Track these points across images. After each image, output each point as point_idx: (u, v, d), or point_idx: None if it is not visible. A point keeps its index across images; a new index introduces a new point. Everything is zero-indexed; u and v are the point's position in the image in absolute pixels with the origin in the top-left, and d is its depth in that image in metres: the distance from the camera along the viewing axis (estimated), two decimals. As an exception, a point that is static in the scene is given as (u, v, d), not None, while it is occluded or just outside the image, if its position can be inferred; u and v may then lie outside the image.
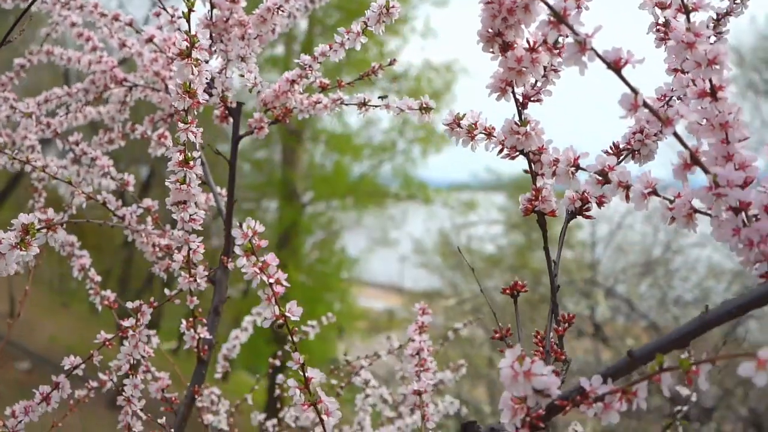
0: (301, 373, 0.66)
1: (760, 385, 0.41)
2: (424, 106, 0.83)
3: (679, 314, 6.21)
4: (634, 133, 0.69)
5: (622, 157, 0.69)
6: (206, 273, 0.93)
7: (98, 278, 1.11)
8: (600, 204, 0.68)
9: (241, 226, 0.63)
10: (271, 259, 0.64)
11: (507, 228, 10.64)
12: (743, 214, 0.53)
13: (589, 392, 0.52)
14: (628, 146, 0.69)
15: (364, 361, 1.35)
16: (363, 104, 0.96)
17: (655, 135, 0.68)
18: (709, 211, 0.54)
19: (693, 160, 0.53)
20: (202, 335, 0.98)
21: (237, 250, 0.63)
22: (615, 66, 0.51)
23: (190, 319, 0.97)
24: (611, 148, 0.70)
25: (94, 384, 1.12)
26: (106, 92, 1.22)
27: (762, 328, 6.39)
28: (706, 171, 0.52)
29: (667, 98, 0.71)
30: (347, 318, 10.99)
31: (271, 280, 0.63)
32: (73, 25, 1.21)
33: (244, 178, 12.52)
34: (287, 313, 0.64)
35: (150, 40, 1.07)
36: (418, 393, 0.96)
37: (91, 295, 1.11)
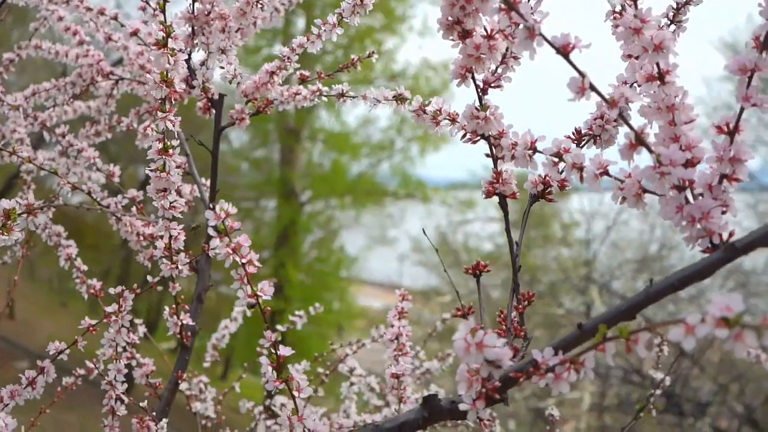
0: (273, 352, 0.69)
1: (689, 348, 0.43)
2: (399, 96, 0.85)
3: (674, 310, 6.24)
4: (595, 119, 0.71)
5: (583, 142, 0.72)
6: (188, 260, 0.95)
7: (84, 267, 1.14)
8: (562, 187, 0.71)
9: (214, 209, 0.65)
10: (244, 240, 0.66)
11: (504, 226, 10.65)
12: (687, 192, 0.55)
13: (541, 364, 0.55)
14: (590, 132, 0.71)
15: (349, 349, 1.37)
16: (341, 95, 0.99)
17: (615, 121, 0.70)
18: (656, 191, 0.56)
19: (638, 140, 0.55)
20: (184, 322, 1.00)
21: (210, 230, 0.65)
22: (563, 51, 0.54)
23: (173, 306, 0.99)
24: (573, 133, 0.72)
25: (81, 371, 1.14)
26: (93, 85, 1.24)
27: (753, 320, 6.39)
28: (650, 151, 0.55)
29: (627, 85, 0.73)
30: (346, 317, 11.01)
31: (244, 261, 0.66)
32: (60, 19, 1.23)
33: (242, 177, 12.53)
34: (259, 293, 0.67)
35: (135, 33, 1.09)
36: (396, 376, 0.98)
37: (78, 284, 1.13)
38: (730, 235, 0.54)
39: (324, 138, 12.18)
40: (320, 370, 1.34)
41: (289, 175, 11.41)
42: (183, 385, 1.34)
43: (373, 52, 1.03)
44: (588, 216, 7.63)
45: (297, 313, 1.41)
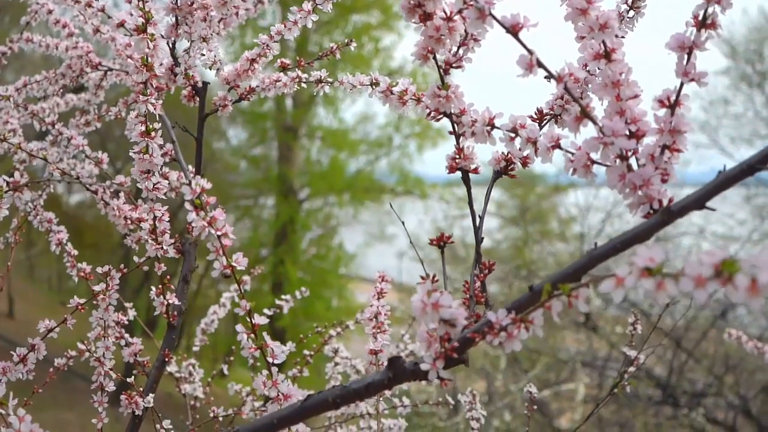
0: (249, 320, 0.72)
1: (617, 301, 0.47)
2: (374, 81, 0.88)
3: (668, 301, 6.27)
4: (555, 99, 0.75)
5: (545, 121, 0.75)
6: (173, 241, 0.99)
7: (75, 252, 1.17)
8: (524, 165, 0.74)
9: (190, 184, 0.69)
10: (219, 214, 0.70)
11: (502, 222, 10.71)
12: (632, 161, 0.59)
13: (495, 324, 0.58)
14: (551, 111, 0.75)
15: (333, 330, 1.41)
16: (319, 81, 1.02)
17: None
18: (602, 162, 0.60)
19: (583, 113, 0.59)
20: (171, 301, 1.04)
21: (187, 205, 0.69)
22: (513, 30, 0.57)
23: (160, 286, 1.03)
24: (535, 112, 0.76)
25: (73, 353, 1.18)
26: (82, 76, 1.27)
27: (750, 313, 6.46)
28: (594, 123, 0.58)
29: (587, 67, 0.77)
30: (345, 314, 11.04)
31: (219, 233, 0.69)
32: (50, 12, 1.26)
33: (240, 175, 12.57)
34: (234, 263, 0.70)
35: (121, 24, 1.12)
36: (374, 352, 1.02)
37: (68, 269, 1.16)
38: (670, 201, 0.57)
39: (322, 135, 12.22)
40: (306, 351, 1.38)
41: (287, 173, 11.45)
42: (173, 368, 1.38)
43: (351, 41, 1.07)
44: (583, 209, 7.67)
45: (284, 297, 1.44)
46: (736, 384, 5.99)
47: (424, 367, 0.61)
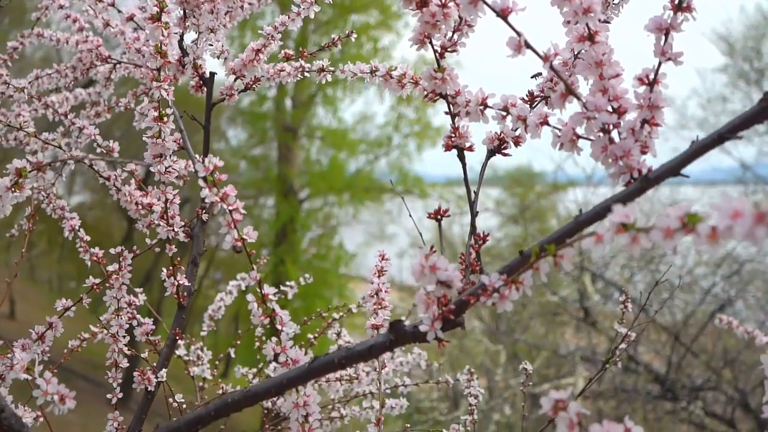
0: (259, 290, 0.77)
1: (599, 255, 0.51)
2: (374, 68, 0.93)
3: (666, 296, 6.32)
4: (545, 81, 0.80)
5: (536, 103, 0.80)
6: (183, 224, 1.04)
7: (87, 237, 1.22)
8: (516, 144, 0.79)
9: (203, 162, 0.73)
10: (230, 190, 0.75)
11: (502, 220, 10.76)
12: (614, 135, 0.64)
13: (488, 286, 0.63)
14: (542, 93, 0.80)
15: (336, 314, 1.46)
16: (321, 70, 1.07)
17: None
18: (586, 136, 0.65)
19: (568, 90, 0.63)
20: (181, 282, 1.09)
21: (200, 182, 0.73)
22: (502, 14, 0.62)
23: (170, 267, 1.08)
24: (527, 95, 0.80)
25: (86, 335, 1.23)
26: (91, 69, 1.32)
27: (748, 308, 6.51)
28: (578, 99, 0.63)
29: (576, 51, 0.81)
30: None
31: (231, 208, 0.74)
32: (61, 7, 1.31)
33: (240, 175, 12.60)
34: (245, 236, 0.75)
35: (130, 18, 1.17)
36: (376, 327, 1.06)
37: (81, 253, 1.21)
38: (648, 170, 0.62)
39: (321, 135, 12.26)
40: (310, 335, 1.43)
41: (287, 173, 11.49)
42: (181, 351, 1.43)
43: (351, 32, 1.11)
44: (581, 206, 7.73)
45: (288, 283, 1.49)
46: (735, 378, 6.03)
47: (422, 328, 0.66)
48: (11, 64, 1.47)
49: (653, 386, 6.27)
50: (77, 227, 1.23)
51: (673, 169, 0.58)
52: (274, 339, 0.77)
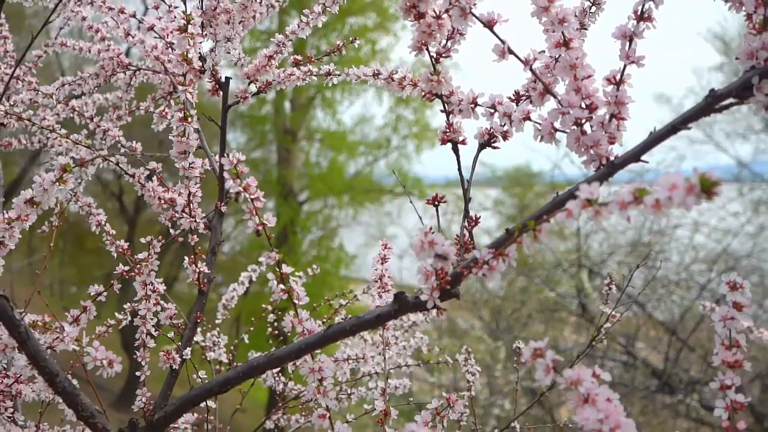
0: (278, 269, 0.87)
1: (571, 228, 0.61)
2: (375, 72, 1.03)
3: (663, 293, 6.44)
4: (529, 82, 0.90)
5: (521, 101, 0.90)
6: (204, 216, 1.14)
7: (113, 231, 1.32)
8: (504, 138, 0.89)
9: (228, 156, 0.83)
10: (252, 181, 0.85)
11: (502, 220, 10.86)
12: (585, 127, 0.74)
13: (480, 259, 0.73)
14: (526, 92, 0.90)
15: (343, 300, 1.56)
16: (328, 74, 1.17)
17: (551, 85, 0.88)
18: (562, 129, 0.75)
19: (545, 89, 0.74)
20: (202, 270, 1.19)
21: (226, 174, 0.83)
22: (489, 24, 0.72)
23: (192, 256, 1.18)
24: (513, 94, 0.90)
25: (112, 322, 1.33)
26: (113, 75, 1.42)
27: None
28: (555, 97, 0.73)
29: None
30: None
31: (253, 196, 0.84)
32: (84, 19, 1.41)
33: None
34: (264, 221, 0.85)
35: (151, 28, 1.27)
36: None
37: (107, 245, 1.31)
38: (616, 158, 0.72)
39: (321, 137, 12.37)
40: (318, 321, 1.52)
41: (286, 176, 11.59)
42: (198, 337, 1.53)
43: (354, 39, 1.21)
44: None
45: (297, 274, 1.59)
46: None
47: (423, 297, 0.76)
48: (35, 71, 1.58)
49: (651, 381, 6.37)
50: (103, 222, 1.33)
51: (635, 155, 0.69)
52: (291, 312, 0.87)
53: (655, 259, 6.67)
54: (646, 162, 0.68)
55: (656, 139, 0.68)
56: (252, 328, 1.68)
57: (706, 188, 0.49)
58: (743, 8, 0.69)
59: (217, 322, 1.59)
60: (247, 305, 8.98)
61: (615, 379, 6.73)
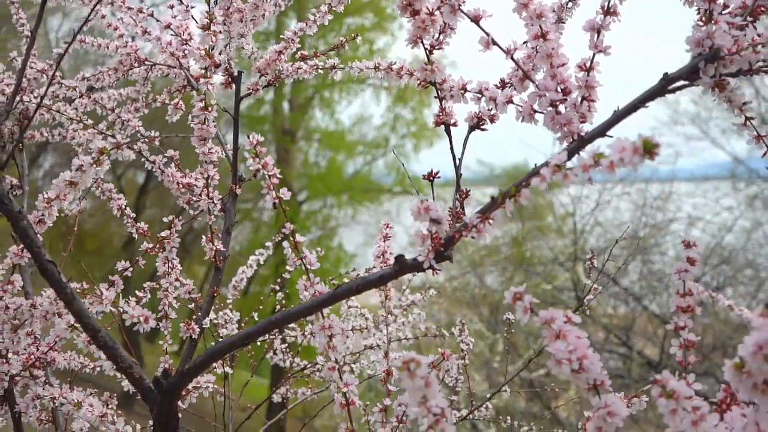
0: (292, 239, 0.98)
1: (542, 189, 0.73)
2: (376, 66, 1.14)
3: (657, 285, 6.57)
4: (513, 70, 1.01)
5: (506, 88, 1.01)
6: (221, 197, 1.25)
7: (133, 215, 1.43)
8: (492, 120, 1.00)
9: (248, 137, 0.95)
10: (269, 160, 0.96)
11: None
12: (559, 108, 0.85)
13: (469, 224, 0.84)
14: (510, 80, 1.01)
15: (347, 278, 1.67)
16: (333, 67, 1.28)
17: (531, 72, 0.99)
18: (540, 110, 0.86)
19: (525, 76, 0.85)
20: (218, 247, 1.30)
21: (246, 154, 0.94)
22: (475, 20, 0.84)
23: (210, 235, 1.29)
24: (499, 81, 1.01)
25: (133, 299, 1.43)
26: (131, 71, 1.53)
27: (735, 294, 6.72)
28: (533, 82, 0.84)
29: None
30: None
31: (270, 173, 0.95)
32: (103, 17, 1.52)
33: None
34: (281, 195, 0.96)
35: (168, 26, 1.38)
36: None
37: (129, 228, 1.42)
38: (585, 134, 0.83)
39: (319, 137, 12.47)
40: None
41: (285, 175, 11.68)
42: (211, 315, 1.64)
43: (356, 35, 1.33)
44: (574, 199, 7.97)
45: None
46: (724, 361, 6.24)
47: (420, 258, 0.87)
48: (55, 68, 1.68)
49: (648, 372, 6.49)
50: (124, 206, 1.44)
51: (601, 131, 0.80)
52: (304, 277, 0.98)
53: (650, 253, 6.81)
54: (611, 137, 0.79)
55: (619, 116, 0.79)
56: (261, 307, 1.79)
57: (648, 149, 0.60)
58: (695, 4, 0.80)
59: (228, 301, 1.70)
60: (246, 305, 9.08)
61: (612, 371, 6.85)
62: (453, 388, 1.36)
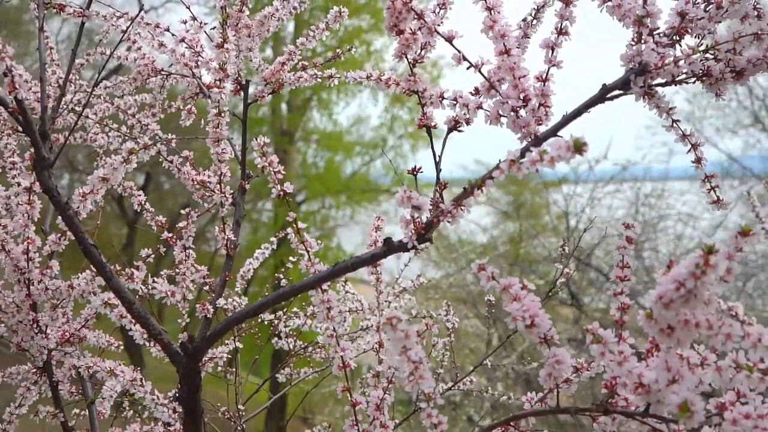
0: (295, 225, 1.15)
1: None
2: (369, 74, 1.31)
3: (649, 281, 6.74)
4: (483, 81, 1.17)
5: (478, 95, 1.18)
6: (232, 191, 1.41)
7: (152, 209, 1.59)
8: (467, 123, 1.16)
9: (256, 138, 1.11)
10: (275, 158, 1.12)
11: (498, 218, 11.15)
12: (520, 113, 1.01)
13: (445, 210, 1.00)
14: (480, 89, 1.17)
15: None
16: (330, 77, 1.45)
17: (497, 82, 1.16)
18: (504, 114, 1.03)
19: (491, 86, 1.01)
20: (229, 237, 1.46)
21: (254, 153, 1.11)
22: (448, 39, 1.00)
23: (222, 225, 1.45)
24: (473, 89, 1.18)
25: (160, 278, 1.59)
26: (148, 80, 1.69)
27: (729, 288, 6.88)
28: (497, 91, 1.01)
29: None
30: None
31: (275, 169, 1.12)
32: (124, 31, 1.68)
33: (238, 180, 12.95)
34: (284, 188, 1.13)
35: (182, 40, 1.55)
36: (375, 266, 1.44)
37: (148, 221, 1.58)
38: (540, 134, 1.00)
39: (317, 138, 12.63)
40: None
41: (284, 176, 11.85)
42: (220, 300, 1.80)
43: (353, 47, 1.49)
44: (566, 196, 8.14)
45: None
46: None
47: (404, 240, 1.03)
48: (78, 77, 1.85)
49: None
50: (143, 202, 1.60)
51: (552, 132, 0.96)
52: (306, 257, 1.15)
53: (642, 249, 6.97)
54: (561, 137, 0.96)
55: (566, 120, 0.95)
56: (266, 294, 1.94)
57: (578, 147, 0.76)
58: (629, 27, 0.96)
59: (236, 290, 1.86)
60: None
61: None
62: (440, 362, 1.52)
